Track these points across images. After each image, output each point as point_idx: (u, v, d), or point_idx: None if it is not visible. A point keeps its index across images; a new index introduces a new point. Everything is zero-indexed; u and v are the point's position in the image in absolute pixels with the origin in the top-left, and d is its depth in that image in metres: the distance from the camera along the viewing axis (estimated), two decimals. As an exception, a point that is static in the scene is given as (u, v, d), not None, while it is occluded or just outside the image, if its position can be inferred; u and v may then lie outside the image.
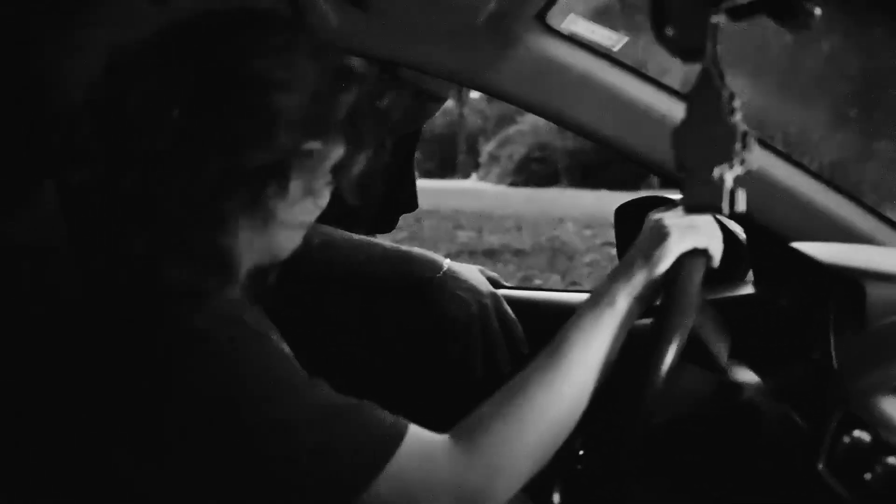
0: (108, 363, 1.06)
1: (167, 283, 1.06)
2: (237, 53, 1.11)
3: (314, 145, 1.15)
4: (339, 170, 1.21)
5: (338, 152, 1.19)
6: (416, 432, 1.12)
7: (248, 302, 1.21)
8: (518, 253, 8.47)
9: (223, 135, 1.08)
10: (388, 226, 2.30)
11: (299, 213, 1.20)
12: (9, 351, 1.15)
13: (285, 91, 1.10)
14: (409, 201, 2.35)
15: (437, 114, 2.21)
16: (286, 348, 1.17)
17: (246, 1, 1.23)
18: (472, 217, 11.74)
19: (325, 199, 1.23)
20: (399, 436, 1.10)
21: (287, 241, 1.22)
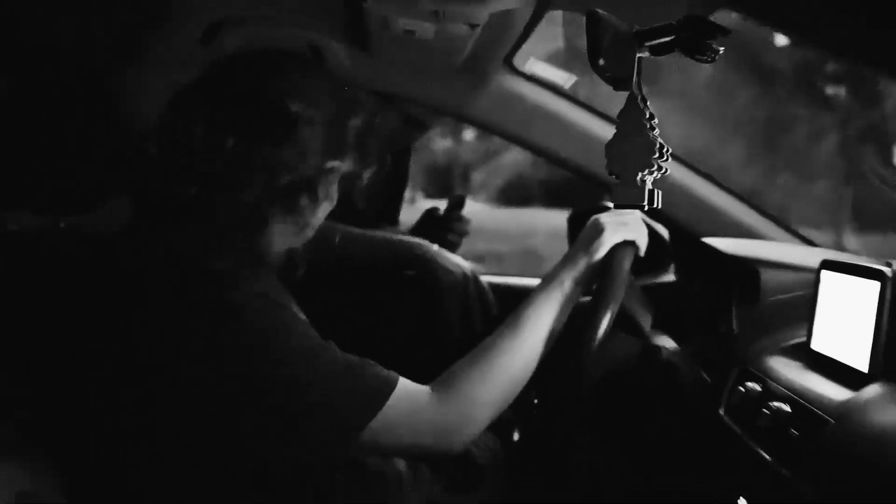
0: (169, 328, 1.06)
1: (211, 273, 1.08)
2: (276, 96, 1.12)
3: (334, 164, 1.17)
4: (350, 180, 1.23)
5: (348, 165, 1.21)
6: (404, 383, 1.14)
7: (277, 282, 1.22)
8: (500, 257, 8.49)
9: (264, 160, 1.10)
10: (392, 219, 2.28)
11: (321, 215, 1.22)
12: (82, 316, 1.15)
13: (311, 124, 1.12)
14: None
15: (425, 141, 2.25)
16: (303, 316, 1.17)
17: (276, 44, 1.24)
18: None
19: (336, 199, 1.24)
20: (391, 386, 1.12)
21: (306, 236, 1.23)
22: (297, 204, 1.16)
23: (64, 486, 1.14)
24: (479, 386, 1.18)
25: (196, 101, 1.13)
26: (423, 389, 1.16)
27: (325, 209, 1.22)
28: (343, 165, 1.19)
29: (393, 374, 1.14)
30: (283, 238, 1.19)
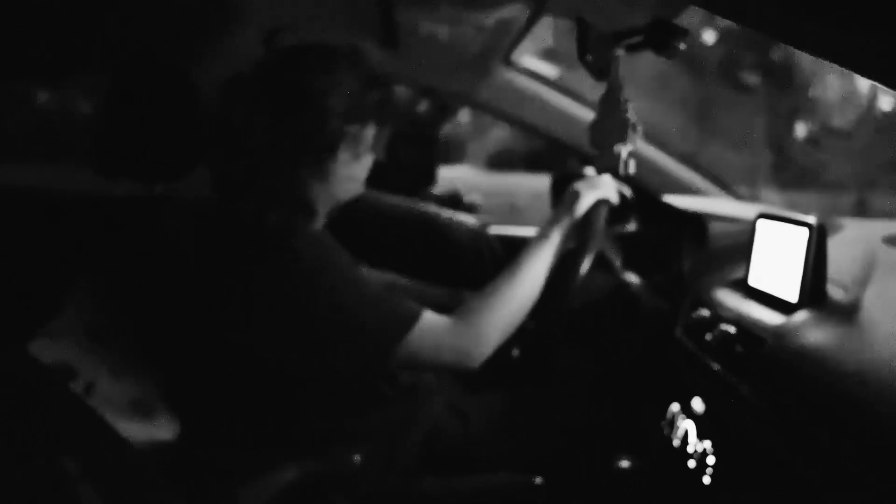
0: (242, 269, 1.05)
1: (272, 223, 1.06)
2: (302, 79, 1.08)
3: (353, 128, 1.12)
4: (375, 141, 1.18)
5: (372, 131, 1.17)
6: (429, 313, 1.12)
7: (326, 231, 1.19)
8: (489, 210, 8.51)
9: (296, 128, 1.07)
10: (427, 182, 2.36)
11: (351, 171, 1.17)
12: (185, 262, 1.14)
13: (331, 96, 1.08)
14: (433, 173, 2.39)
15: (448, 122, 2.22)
16: (348, 257, 1.14)
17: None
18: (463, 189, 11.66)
19: (369, 161, 1.20)
20: (419, 314, 1.10)
21: (347, 190, 1.19)
22: (326, 162, 1.12)
23: (164, 394, 1.14)
24: (489, 316, 1.16)
25: (238, 90, 1.10)
26: (445, 318, 1.14)
27: (354, 167, 1.17)
28: (363, 130, 1.15)
29: (420, 306, 1.13)
30: (324, 192, 1.15)
